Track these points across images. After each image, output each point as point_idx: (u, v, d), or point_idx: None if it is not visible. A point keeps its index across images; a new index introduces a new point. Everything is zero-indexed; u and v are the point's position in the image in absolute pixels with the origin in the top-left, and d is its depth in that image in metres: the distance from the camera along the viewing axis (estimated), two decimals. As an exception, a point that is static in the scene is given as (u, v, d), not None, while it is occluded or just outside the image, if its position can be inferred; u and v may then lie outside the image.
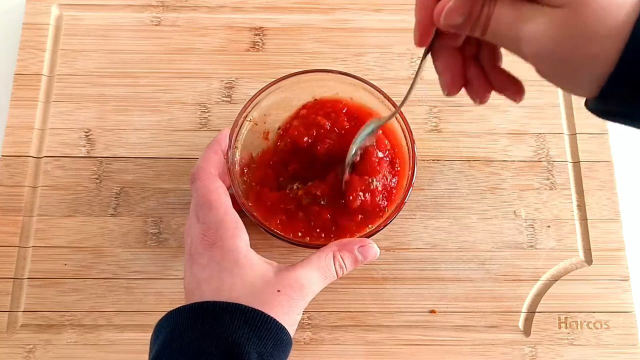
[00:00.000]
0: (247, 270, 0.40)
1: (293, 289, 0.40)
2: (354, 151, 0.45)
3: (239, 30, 0.60)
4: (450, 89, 0.37)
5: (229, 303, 0.38)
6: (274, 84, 0.48)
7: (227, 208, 0.43)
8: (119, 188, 0.55)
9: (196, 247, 0.42)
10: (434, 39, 0.35)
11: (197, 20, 0.60)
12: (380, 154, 0.47)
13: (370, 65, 0.59)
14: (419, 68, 0.37)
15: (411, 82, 0.38)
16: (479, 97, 0.37)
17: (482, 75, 0.37)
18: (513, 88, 0.37)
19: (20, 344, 0.50)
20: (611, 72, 0.29)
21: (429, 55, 0.36)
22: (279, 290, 0.40)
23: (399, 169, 0.48)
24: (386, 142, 0.48)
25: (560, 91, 0.58)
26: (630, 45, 0.28)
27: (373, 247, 0.44)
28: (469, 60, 0.37)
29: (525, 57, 0.32)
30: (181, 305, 0.40)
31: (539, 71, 0.33)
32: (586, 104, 0.33)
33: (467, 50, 0.37)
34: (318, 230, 0.47)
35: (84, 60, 0.58)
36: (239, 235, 0.42)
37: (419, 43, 0.35)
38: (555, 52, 0.30)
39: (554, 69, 0.32)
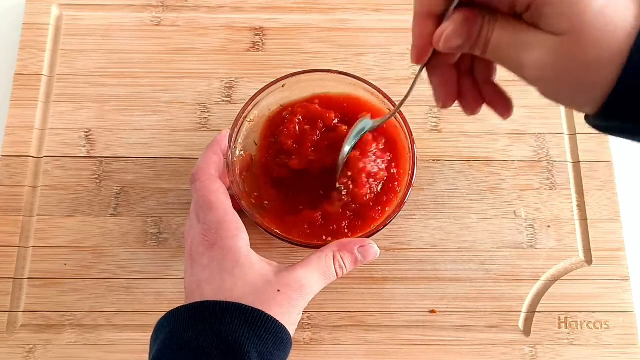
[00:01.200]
0: (247, 270, 0.40)
1: (293, 288, 0.40)
2: (346, 152, 0.45)
3: (239, 30, 0.60)
4: (444, 103, 0.38)
5: (229, 302, 0.38)
6: (274, 83, 0.48)
7: (227, 208, 0.43)
8: (119, 188, 0.55)
9: (197, 247, 0.42)
10: (430, 57, 0.35)
11: (197, 20, 0.60)
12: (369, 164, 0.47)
13: (370, 65, 0.59)
14: (414, 82, 0.38)
15: (407, 90, 0.38)
16: (471, 109, 0.38)
17: (475, 89, 0.38)
18: (503, 103, 0.38)
19: (20, 344, 0.50)
20: (609, 95, 0.30)
21: (425, 69, 0.37)
22: (279, 290, 0.40)
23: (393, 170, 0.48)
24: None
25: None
26: (626, 72, 0.29)
27: (373, 247, 0.44)
28: (463, 74, 0.38)
29: (526, 80, 0.33)
30: (181, 305, 0.40)
31: (541, 92, 0.33)
32: (586, 118, 0.33)
33: (462, 64, 0.37)
34: (318, 230, 0.47)
35: (84, 60, 0.58)
36: (239, 236, 0.42)
37: (416, 61, 0.36)
38: (555, 78, 0.31)
39: (555, 93, 0.32)
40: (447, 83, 0.37)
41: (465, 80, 0.38)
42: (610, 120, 0.32)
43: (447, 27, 0.32)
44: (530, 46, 0.31)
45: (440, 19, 0.33)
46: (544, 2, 0.29)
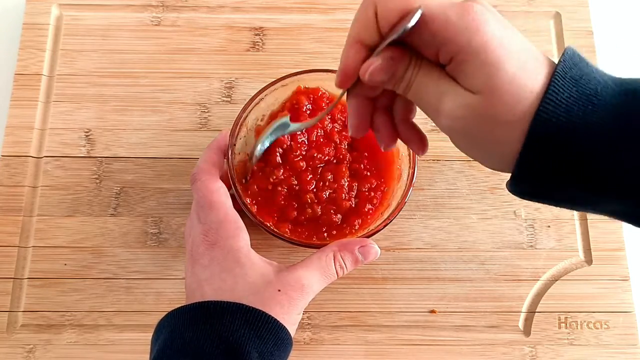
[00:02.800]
0: (247, 270, 0.40)
1: (293, 288, 0.40)
2: (258, 147, 0.46)
3: (239, 30, 0.60)
4: (355, 133, 0.38)
5: (230, 303, 0.38)
6: (274, 83, 0.48)
7: (228, 208, 0.43)
8: (119, 188, 0.55)
9: (197, 247, 0.42)
10: (353, 85, 0.36)
11: (197, 20, 0.60)
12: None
13: (370, 65, 0.59)
14: (333, 104, 0.39)
15: (323, 112, 0.40)
16: (385, 144, 0.39)
17: (391, 126, 0.38)
18: (418, 142, 0.38)
19: (20, 344, 0.50)
20: (519, 155, 0.31)
21: (345, 95, 0.37)
22: (279, 290, 0.40)
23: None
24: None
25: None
26: (530, 136, 0.30)
27: (373, 247, 0.44)
28: (380, 110, 0.38)
29: (440, 128, 0.34)
30: (182, 305, 0.40)
31: (453, 143, 0.34)
32: (507, 185, 0.34)
33: (380, 100, 0.38)
34: (318, 230, 0.47)
35: (84, 60, 0.58)
36: (240, 236, 0.42)
37: (339, 85, 0.36)
38: (466, 132, 0.32)
39: (466, 145, 0.34)
40: (362, 114, 0.37)
41: (382, 116, 0.38)
42: (524, 183, 0.32)
43: (375, 62, 0.33)
44: (448, 97, 0.32)
45: (371, 50, 0.34)
46: (462, 59, 0.30)
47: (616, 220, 0.53)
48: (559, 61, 0.31)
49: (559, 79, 0.30)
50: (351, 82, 0.35)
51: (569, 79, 0.30)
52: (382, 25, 0.32)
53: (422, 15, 0.30)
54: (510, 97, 0.30)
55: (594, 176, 0.30)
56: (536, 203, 0.54)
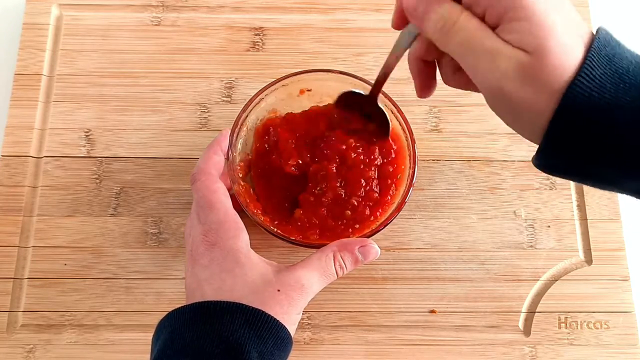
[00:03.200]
0: (247, 270, 0.40)
1: (293, 288, 0.40)
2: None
3: (239, 30, 0.60)
4: (420, 94, 0.41)
5: (230, 302, 0.38)
6: (274, 83, 0.48)
7: (228, 209, 0.43)
8: (119, 188, 0.55)
9: (197, 247, 0.42)
10: (411, 43, 0.37)
11: (197, 20, 0.60)
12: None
13: (370, 65, 0.59)
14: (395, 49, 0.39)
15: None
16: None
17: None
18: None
19: (20, 344, 0.50)
20: (549, 124, 0.31)
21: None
22: (279, 290, 0.40)
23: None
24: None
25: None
26: (561, 106, 0.30)
27: (373, 247, 0.44)
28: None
29: (482, 88, 0.34)
30: (182, 305, 0.40)
31: (487, 101, 0.34)
32: (533, 160, 0.34)
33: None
34: (318, 230, 0.47)
35: (84, 60, 0.58)
36: (240, 236, 0.42)
37: (395, 27, 0.38)
38: (510, 95, 0.32)
39: (503, 109, 0.34)
40: (423, 77, 0.40)
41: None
42: (551, 156, 0.32)
43: None
44: (501, 55, 0.32)
45: None
46: (512, 17, 0.31)
47: (616, 220, 0.54)
48: (594, 38, 0.31)
49: (594, 54, 0.30)
50: (405, 23, 0.37)
51: (604, 56, 0.30)
52: None
53: None
54: (559, 64, 0.30)
55: (621, 153, 0.30)
56: (537, 203, 0.55)
